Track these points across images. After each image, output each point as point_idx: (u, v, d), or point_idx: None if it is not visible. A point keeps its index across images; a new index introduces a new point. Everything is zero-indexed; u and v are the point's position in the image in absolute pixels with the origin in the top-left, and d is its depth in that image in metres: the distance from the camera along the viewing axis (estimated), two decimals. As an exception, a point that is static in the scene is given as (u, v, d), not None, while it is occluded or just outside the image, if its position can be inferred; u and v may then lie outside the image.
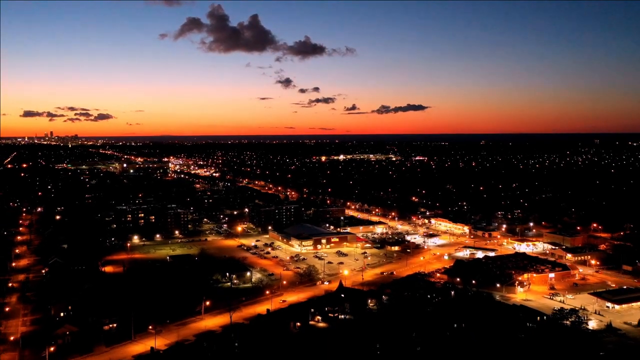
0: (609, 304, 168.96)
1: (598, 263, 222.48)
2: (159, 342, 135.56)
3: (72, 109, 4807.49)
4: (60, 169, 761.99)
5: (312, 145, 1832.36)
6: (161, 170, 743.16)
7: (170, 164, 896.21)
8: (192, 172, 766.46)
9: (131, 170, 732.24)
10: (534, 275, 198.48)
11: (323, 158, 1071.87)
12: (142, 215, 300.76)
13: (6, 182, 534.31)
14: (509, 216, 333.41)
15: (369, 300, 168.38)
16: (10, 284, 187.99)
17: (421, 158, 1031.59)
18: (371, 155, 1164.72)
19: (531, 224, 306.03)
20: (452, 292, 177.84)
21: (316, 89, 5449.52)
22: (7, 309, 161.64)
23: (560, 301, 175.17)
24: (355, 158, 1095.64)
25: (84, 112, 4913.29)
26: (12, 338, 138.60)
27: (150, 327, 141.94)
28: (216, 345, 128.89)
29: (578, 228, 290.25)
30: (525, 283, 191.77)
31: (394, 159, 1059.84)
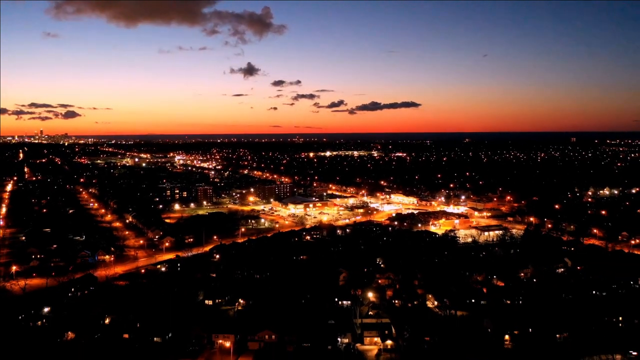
0: (482, 232, 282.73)
1: (489, 215, 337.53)
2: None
3: (33, 105, 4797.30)
4: (79, 163, 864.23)
5: (300, 143, 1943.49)
6: (170, 164, 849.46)
7: (175, 158, 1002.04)
8: (197, 165, 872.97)
9: (143, 164, 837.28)
10: (445, 220, 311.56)
11: (311, 154, 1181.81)
12: (177, 191, 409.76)
13: (45, 172, 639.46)
14: (451, 193, 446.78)
15: (338, 230, 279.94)
16: (115, 224, 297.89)
17: (400, 154, 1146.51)
18: (355, 152, 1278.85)
19: (463, 197, 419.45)
20: (390, 229, 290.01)
21: (297, 83, 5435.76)
22: (125, 233, 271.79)
23: (455, 232, 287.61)
24: (341, 154, 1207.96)
25: (51, 109, 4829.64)
26: (141, 242, 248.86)
27: (215, 237, 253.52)
28: (253, 244, 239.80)
29: (495, 199, 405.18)
30: (437, 224, 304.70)
31: (375, 155, 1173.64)
